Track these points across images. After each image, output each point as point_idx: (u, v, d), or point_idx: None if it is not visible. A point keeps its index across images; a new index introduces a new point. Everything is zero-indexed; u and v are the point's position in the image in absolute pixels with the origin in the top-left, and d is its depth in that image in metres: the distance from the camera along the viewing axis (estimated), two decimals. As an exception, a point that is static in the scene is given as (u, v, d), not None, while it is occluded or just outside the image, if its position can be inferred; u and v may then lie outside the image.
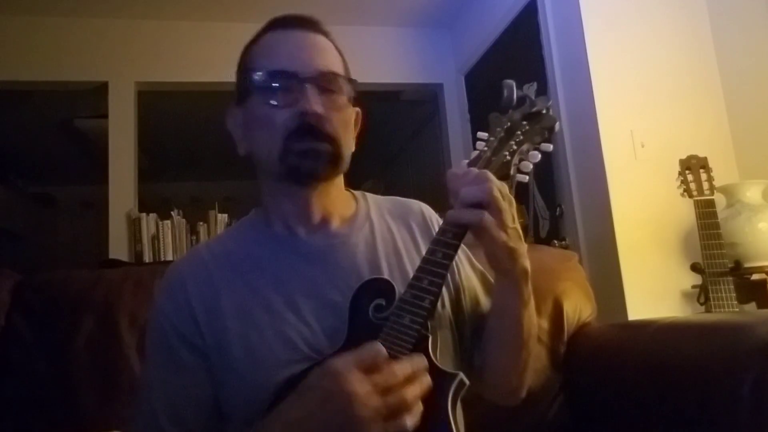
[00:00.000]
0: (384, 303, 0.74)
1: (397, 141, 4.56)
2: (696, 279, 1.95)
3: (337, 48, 0.87)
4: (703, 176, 1.86)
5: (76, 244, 5.16)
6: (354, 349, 0.65)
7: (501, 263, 0.75)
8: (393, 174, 4.87)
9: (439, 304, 0.83)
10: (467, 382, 0.68)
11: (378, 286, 0.76)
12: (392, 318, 0.71)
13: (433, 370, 0.68)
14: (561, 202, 2.43)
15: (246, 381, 0.75)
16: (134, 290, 1.25)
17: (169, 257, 3.05)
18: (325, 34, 0.86)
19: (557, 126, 0.81)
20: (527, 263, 0.76)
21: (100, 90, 3.17)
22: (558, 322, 1.34)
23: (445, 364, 0.72)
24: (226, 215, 3.31)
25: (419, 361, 0.66)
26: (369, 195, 0.96)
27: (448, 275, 0.83)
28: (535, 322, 0.83)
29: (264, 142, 0.81)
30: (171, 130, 4.48)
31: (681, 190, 1.89)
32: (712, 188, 1.85)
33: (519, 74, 2.69)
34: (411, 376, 0.64)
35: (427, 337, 0.71)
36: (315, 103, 0.78)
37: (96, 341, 1.21)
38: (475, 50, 3.20)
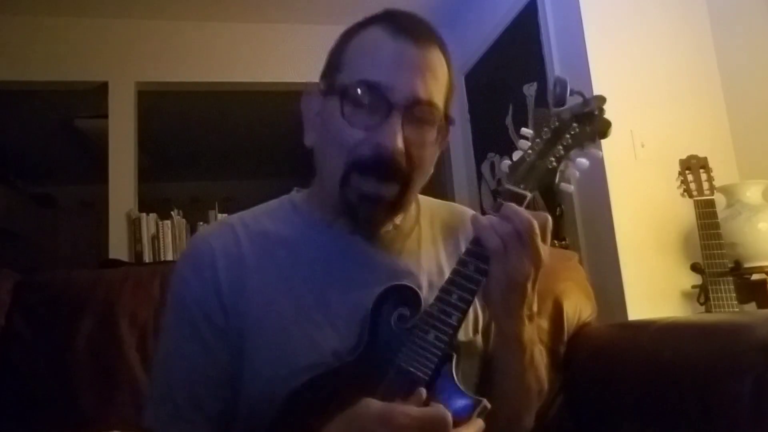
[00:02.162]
0: (408, 313, 0.69)
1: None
2: (696, 279, 1.95)
3: (448, 65, 0.76)
4: (703, 176, 1.86)
5: (76, 244, 5.16)
6: (422, 407, 0.60)
7: (498, 312, 0.70)
8: (393, 174, 4.87)
9: (471, 329, 0.79)
10: (489, 407, 0.64)
11: (403, 293, 0.71)
12: (416, 332, 0.66)
13: (456, 392, 0.64)
14: (561, 202, 2.43)
15: (261, 377, 0.72)
16: (134, 290, 1.25)
17: (169, 257, 3.05)
18: (442, 48, 0.75)
19: (611, 130, 0.71)
20: (525, 332, 0.70)
21: (100, 90, 3.17)
22: (558, 322, 1.33)
23: (468, 389, 0.67)
24: (226, 215, 3.30)
25: (479, 429, 0.62)
26: (423, 198, 0.89)
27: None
28: (535, 385, 0.76)
29: (329, 160, 0.74)
30: (171, 130, 4.48)
31: (681, 190, 1.88)
32: (712, 188, 1.85)
33: (519, 74, 2.69)
34: None
35: (452, 356, 0.66)
36: (397, 139, 0.68)
37: (96, 341, 1.20)
38: (475, 50, 3.20)
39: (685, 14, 2.31)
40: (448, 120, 0.75)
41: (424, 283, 0.78)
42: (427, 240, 0.83)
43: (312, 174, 0.82)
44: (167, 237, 3.11)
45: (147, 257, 3.02)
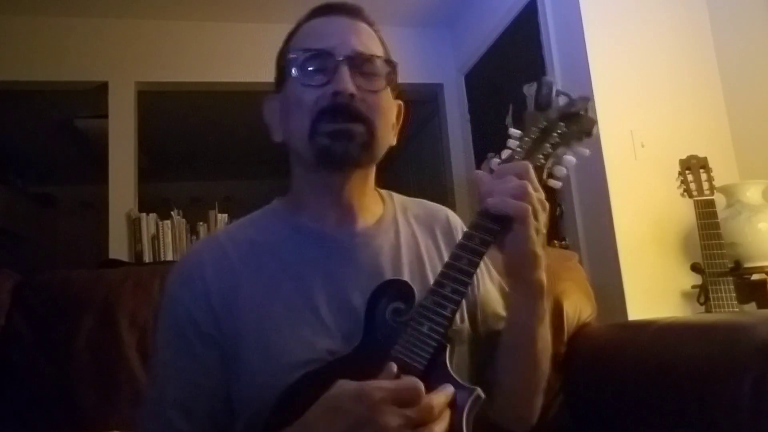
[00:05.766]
0: (403, 307, 0.71)
1: (397, 141, 4.55)
2: (696, 279, 1.96)
3: (380, 38, 0.85)
4: (703, 176, 1.86)
5: (76, 244, 5.15)
6: (394, 380, 0.62)
7: (522, 271, 0.72)
8: (393, 174, 4.87)
9: (458, 317, 0.80)
10: (483, 396, 0.65)
11: (397, 288, 0.73)
12: (411, 324, 0.68)
13: (450, 383, 0.65)
14: (561, 202, 2.43)
15: (258, 378, 0.73)
16: (134, 290, 1.25)
17: (169, 257, 3.05)
18: (370, 23, 0.84)
19: (596, 129, 0.77)
20: (544, 277, 0.72)
21: (100, 90, 3.17)
22: (558, 322, 1.33)
23: (461, 379, 0.69)
24: (226, 215, 3.31)
25: (451, 394, 0.64)
26: (396, 195, 0.93)
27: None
28: (549, 343, 0.79)
29: (296, 123, 0.79)
30: (171, 130, 4.48)
31: (681, 190, 1.89)
32: (712, 188, 1.85)
33: (519, 74, 2.69)
34: (442, 410, 0.61)
35: (446, 347, 0.68)
36: (348, 83, 0.75)
37: (96, 341, 1.20)
38: (475, 50, 3.20)
39: (685, 14, 2.31)
40: (393, 68, 0.84)
41: (407, 276, 0.80)
42: (407, 234, 0.86)
43: (288, 173, 0.86)
44: (167, 237, 3.11)
45: (147, 257, 3.02)
